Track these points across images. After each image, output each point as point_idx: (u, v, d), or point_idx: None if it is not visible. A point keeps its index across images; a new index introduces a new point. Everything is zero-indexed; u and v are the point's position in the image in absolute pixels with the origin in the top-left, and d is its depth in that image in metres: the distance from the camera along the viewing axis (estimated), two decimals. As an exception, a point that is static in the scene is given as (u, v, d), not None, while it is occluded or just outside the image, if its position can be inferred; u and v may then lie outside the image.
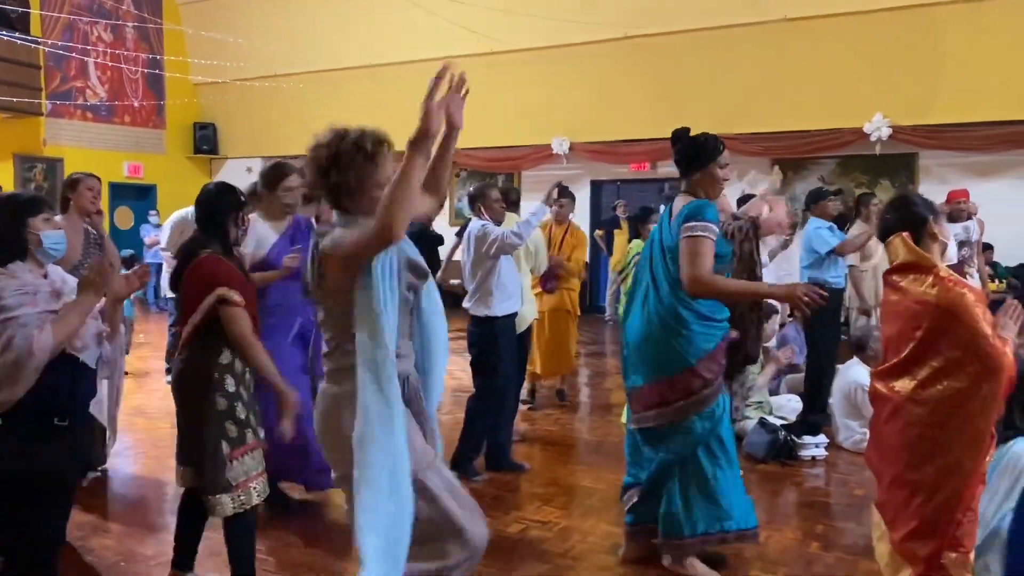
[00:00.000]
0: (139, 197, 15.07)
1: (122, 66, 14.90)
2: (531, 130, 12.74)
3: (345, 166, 2.45)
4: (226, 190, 3.35)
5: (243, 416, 3.19)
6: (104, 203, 14.05)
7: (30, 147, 13.57)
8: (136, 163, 15.13)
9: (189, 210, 7.63)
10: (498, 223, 5.15)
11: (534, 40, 12.12)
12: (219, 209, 3.28)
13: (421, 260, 2.53)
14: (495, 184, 5.55)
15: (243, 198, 3.35)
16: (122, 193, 14.88)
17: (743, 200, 7.51)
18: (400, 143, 9.68)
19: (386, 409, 2.36)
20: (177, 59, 15.08)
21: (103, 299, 2.91)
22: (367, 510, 2.33)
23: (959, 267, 7.12)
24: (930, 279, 2.79)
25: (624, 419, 6.23)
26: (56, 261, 2.95)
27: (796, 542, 4.13)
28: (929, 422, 2.77)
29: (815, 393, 5.88)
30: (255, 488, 3.21)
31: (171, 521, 4.20)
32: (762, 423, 5.59)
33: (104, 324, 2.93)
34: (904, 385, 2.84)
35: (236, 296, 3.11)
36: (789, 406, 6.11)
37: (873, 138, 10.41)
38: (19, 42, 12.11)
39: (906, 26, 10.02)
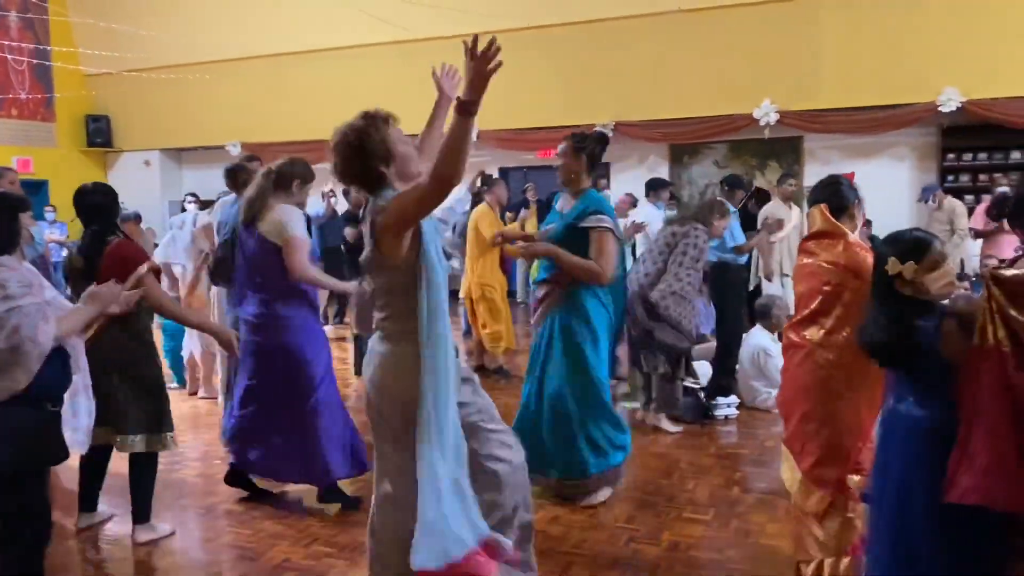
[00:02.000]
0: (30, 192, 14.49)
1: (7, 56, 14.31)
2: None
3: (372, 143, 2.63)
4: (109, 189, 3.94)
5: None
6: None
7: (-90, 143, 12.95)
8: (25, 158, 14.56)
9: (186, 216, 7.42)
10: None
11: (439, 29, 12.31)
12: (110, 205, 3.88)
13: (452, 237, 2.88)
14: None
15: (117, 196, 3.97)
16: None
17: (653, 184, 8.03)
18: (298, 132, 9.99)
19: (445, 384, 2.61)
20: (67, 50, 14.60)
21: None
22: (428, 476, 2.56)
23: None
24: (841, 244, 3.23)
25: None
26: None
27: (720, 488, 4.60)
28: (836, 364, 3.19)
29: (724, 359, 6.39)
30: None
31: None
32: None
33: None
34: (813, 333, 3.27)
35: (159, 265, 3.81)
36: (701, 371, 6.63)
37: (762, 123, 11.09)
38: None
39: (789, 16, 10.72)
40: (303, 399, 4.12)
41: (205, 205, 9.12)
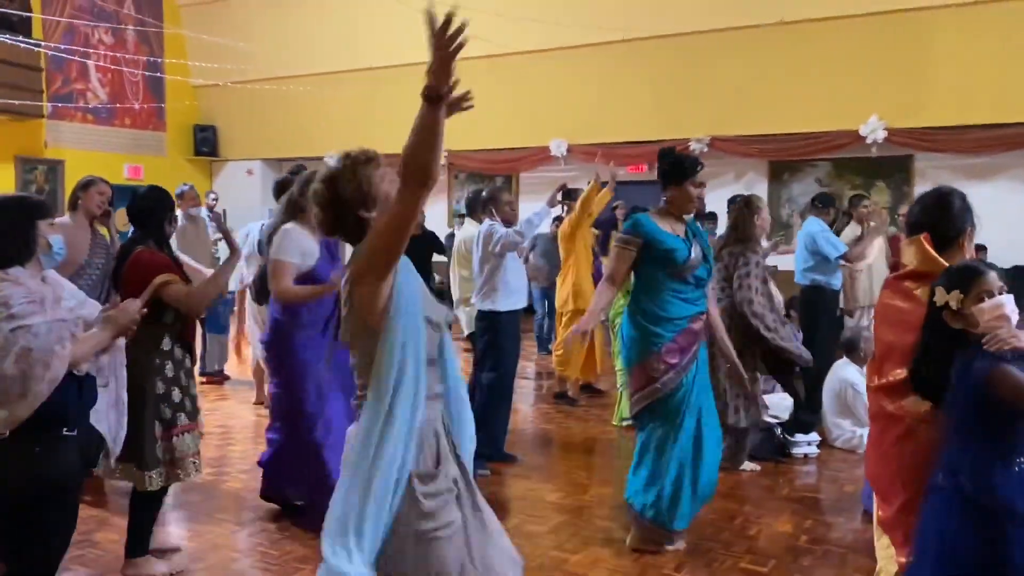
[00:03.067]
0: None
1: (123, 68, 14.97)
2: (529, 132, 12.82)
3: (347, 189, 2.20)
4: (162, 194, 3.73)
5: (178, 400, 3.56)
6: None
7: (31, 149, 13.63)
8: (136, 165, 15.19)
9: (253, 225, 7.47)
10: (508, 224, 5.43)
11: (532, 42, 12.20)
12: (156, 210, 3.64)
13: (441, 306, 2.33)
14: (506, 188, 5.73)
15: (174, 201, 3.81)
16: (122, 195, 14.85)
17: (733, 200, 7.61)
18: (397, 145, 9.71)
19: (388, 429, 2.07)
20: (177, 62, 15.15)
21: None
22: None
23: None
24: None
25: (615, 420, 6.37)
26: (61, 262, 3.08)
27: (786, 536, 4.21)
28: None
29: (810, 392, 5.95)
30: (194, 462, 3.60)
31: (170, 515, 4.33)
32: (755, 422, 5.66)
33: None
34: (916, 404, 2.68)
35: (174, 277, 3.45)
36: (782, 404, 6.16)
37: (869, 140, 10.48)
38: (21, 45, 12.16)
39: (899, 29, 10.10)
40: (299, 418, 4.08)
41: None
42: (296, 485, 4.26)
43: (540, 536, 4.14)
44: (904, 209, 7.57)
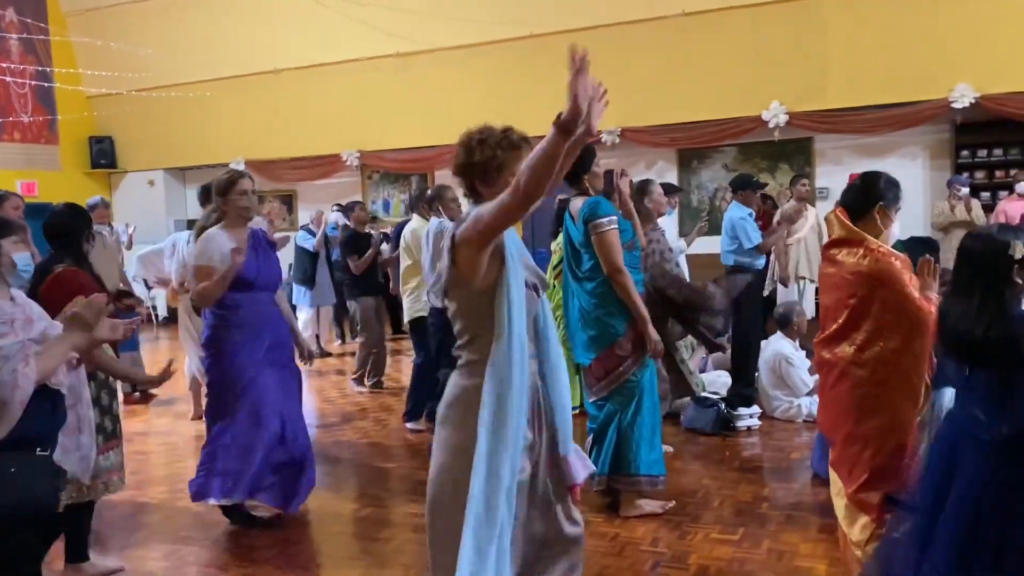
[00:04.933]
0: (35, 216, 14.38)
1: (8, 79, 14.25)
2: (442, 130, 12.79)
3: (490, 147, 2.52)
4: (79, 211, 3.73)
5: (98, 421, 3.41)
6: (-3, 224, 13.52)
7: (-87, 169, 12.87)
8: (30, 181, 14.48)
9: (180, 235, 7.26)
10: (453, 220, 5.41)
11: (442, 40, 12.21)
12: (72, 228, 3.62)
13: (539, 269, 2.59)
14: (450, 186, 5.77)
15: (91, 218, 3.81)
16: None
17: (642, 186, 7.88)
18: (306, 146, 9.90)
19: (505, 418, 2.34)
20: (68, 71, 14.53)
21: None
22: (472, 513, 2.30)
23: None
24: (861, 251, 3.05)
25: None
26: None
27: (748, 504, 4.42)
28: (871, 381, 3.03)
29: (743, 367, 6.22)
30: (106, 484, 3.66)
31: (142, 537, 4.22)
32: (696, 399, 5.89)
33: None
34: (844, 350, 3.09)
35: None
36: (719, 381, 6.45)
37: (771, 125, 10.91)
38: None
39: (796, 17, 10.55)
40: (220, 416, 4.21)
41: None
42: (264, 491, 4.22)
43: (516, 524, 4.22)
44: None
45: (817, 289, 5.28)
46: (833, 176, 11.15)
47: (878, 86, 10.19)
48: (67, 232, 3.61)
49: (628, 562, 3.77)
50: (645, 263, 5.33)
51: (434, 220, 5.61)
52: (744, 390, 6.10)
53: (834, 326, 3.17)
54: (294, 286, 9.42)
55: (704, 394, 5.99)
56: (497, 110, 12.24)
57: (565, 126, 2.17)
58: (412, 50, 12.36)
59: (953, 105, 9.86)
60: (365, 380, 7.74)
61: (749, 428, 5.82)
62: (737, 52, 10.91)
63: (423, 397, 6.00)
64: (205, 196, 5.74)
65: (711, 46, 11.05)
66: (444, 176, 13.49)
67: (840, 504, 3.29)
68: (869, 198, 3.15)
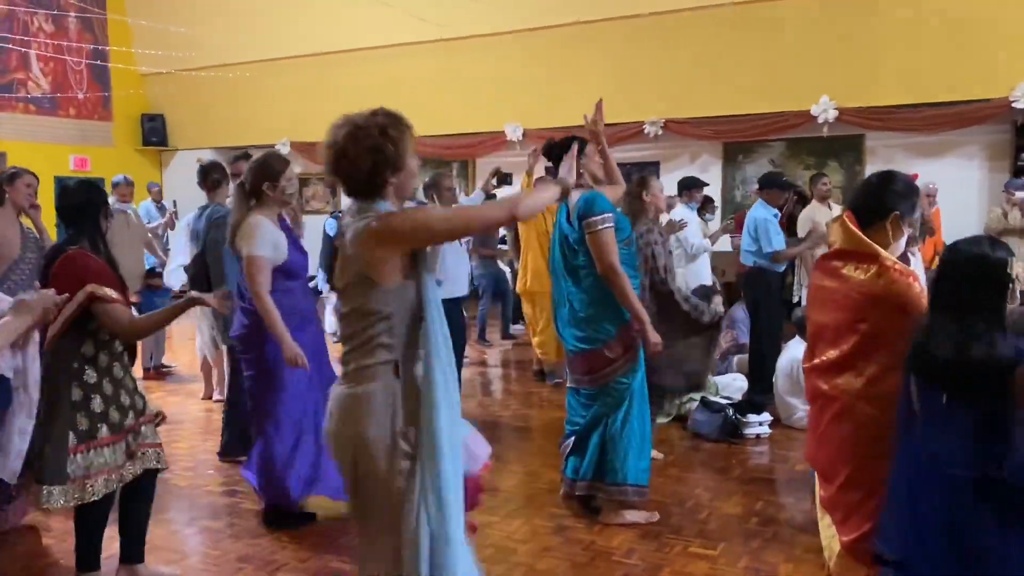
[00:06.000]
0: (87, 191, 14.76)
1: (65, 57, 14.56)
2: (484, 117, 12.69)
3: (390, 148, 2.25)
4: (92, 187, 3.44)
5: (99, 410, 3.20)
6: (50, 198, 13.84)
7: (-30, 141, 13.22)
8: (83, 156, 14.81)
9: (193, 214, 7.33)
10: None
11: (486, 26, 12.06)
12: (87, 205, 3.34)
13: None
14: (449, 173, 5.65)
15: (106, 194, 3.51)
16: (69, 187, 14.54)
17: (685, 183, 7.61)
18: None
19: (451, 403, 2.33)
20: (123, 50, 14.78)
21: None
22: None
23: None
24: (875, 268, 2.64)
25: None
26: None
27: (736, 518, 4.19)
28: (883, 421, 2.60)
29: (759, 373, 5.95)
30: (103, 480, 3.17)
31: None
32: (705, 403, 5.65)
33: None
34: (849, 382, 2.69)
35: (108, 291, 3.13)
36: (734, 385, 6.19)
37: (820, 120, 10.50)
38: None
39: (849, 9, 10.12)
40: (265, 416, 3.96)
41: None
42: (260, 481, 4.06)
43: (490, 526, 4.07)
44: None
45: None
46: (884, 176, 10.69)
47: (934, 82, 9.71)
48: (82, 210, 3.35)
49: (597, 572, 3.59)
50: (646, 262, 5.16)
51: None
52: (757, 396, 5.84)
53: (835, 353, 2.76)
54: (320, 273, 9.37)
55: (714, 398, 5.75)
56: (539, 97, 12.16)
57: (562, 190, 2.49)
58: (455, 36, 12.24)
59: (1015, 105, 9.34)
60: None
61: (758, 436, 5.55)
62: (786, 44, 10.51)
63: None
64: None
65: (760, 37, 10.67)
66: (486, 163, 13.38)
67: (834, 549, 2.91)
68: (884, 204, 2.75)
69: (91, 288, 3.10)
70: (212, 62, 14.13)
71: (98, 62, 14.66)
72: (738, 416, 5.57)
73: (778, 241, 5.95)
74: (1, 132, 13.59)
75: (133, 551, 3.45)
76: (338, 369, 2.39)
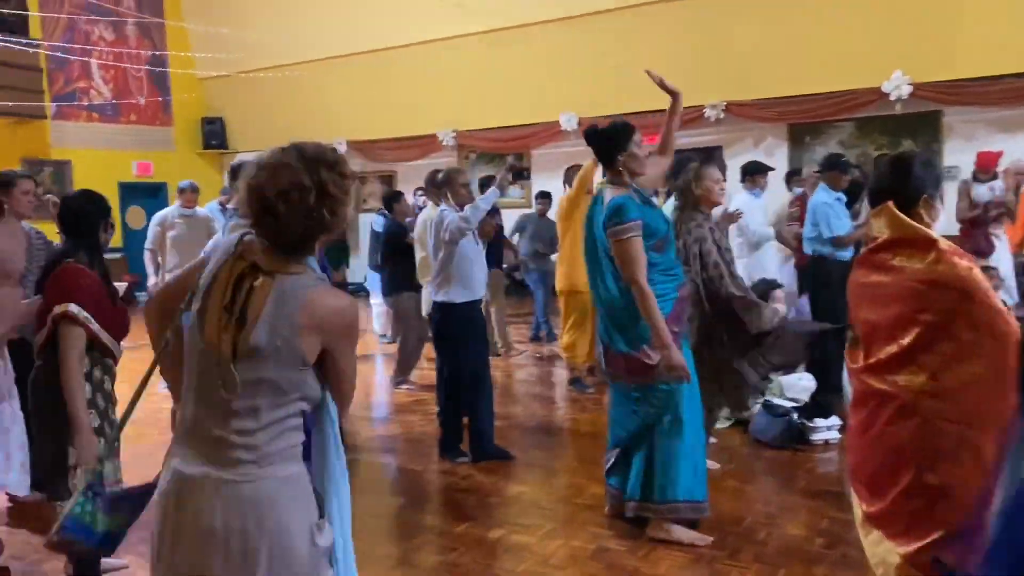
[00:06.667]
0: (150, 196, 14.94)
1: (125, 65, 14.76)
2: (538, 107, 12.37)
3: (334, 199, 1.87)
4: (95, 198, 3.40)
5: (94, 424, 3.19)
6: (115, 204, 14.06)
7: (37, 151, 13.49)
8: (145, 162, 15.02)
9: (169, 209, 7.51)
10: (463, 208, 5.11)
11: (537, 14, 11.76)
12: (88, 217, 3.31)
13: None
14: (462, 169, 5.41)
15: (109, 207, 3.42)
16: (133, 193, 14.76)
17: (748, 168, 7.16)
18: (407, 125, 9.53)
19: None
20: (181, 54, 14.93)
21: None
22: None
23: (982, 228, 6.76)
24: (932, 255, 2.42)
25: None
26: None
27: (799, 539, 3.81)
28: (952, 416, 2.42)
29: (824, 373, 5.52)
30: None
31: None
32: (767, 406, 5.26)
33: None
34: (911, 378, 2.46)
35: (80, 314, 3.09)
36: (800, 385, 5.73)
37: (893, 97, 9.89)
38: (17, 47, 11.97)
39: (923, -23, 9.50)
40: None
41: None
42: None
43: (526, 548, 3.79)
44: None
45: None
46: (964, 153, 9.94)
47: (1015, 53, 9.02)
48: (80, 221, 3.32)
49: (641, 603, 3.28)
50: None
51: (440, 207, 5.23)
52: (825, 397, 5.41)
53: (894, 348, 2.52)
54: (370, 274, 9.19)
55: (777, 400, 5.35)
56: (594, 85, 11.76)
57: None
58: (507, 25, 11.95)
59: (1107, 73, 8.62)
60: (409, 379, 7.29)
61: (826, 442, 5.13)
62: (855, 17, 9.92)
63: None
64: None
65: (826, 11, 10.09)
66: (541, 155, 13.08)
67: (887, 562, 2.63)
68: (914, 189, 2.54)
69: (61, 309, 3.08)
70: (268, 63, 14.15)
71: (159, 68, 14.82)
72: (803, 420, 5.16)
73: (839, 226, 5.52)
74: (66, 141, 13.86)
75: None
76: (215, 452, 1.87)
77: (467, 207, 5.00)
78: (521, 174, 6.40)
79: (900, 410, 2.51)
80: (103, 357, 3.26)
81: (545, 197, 9.22)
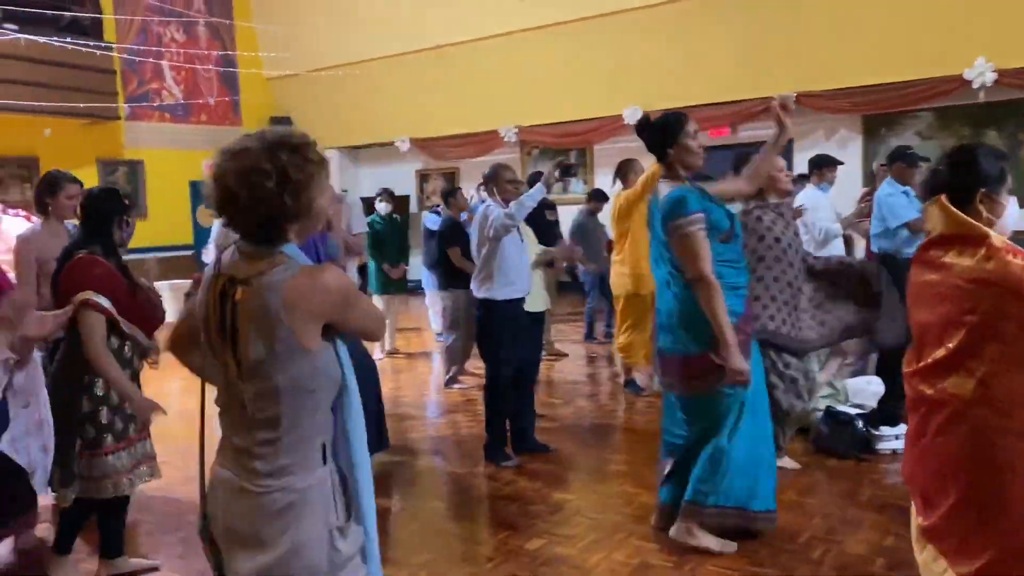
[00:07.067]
0: (220, 195, 15.22)
1: (196, 66, 15.04)
2: (601, 101, 12.13)
3: (296, 184, 1.80)
4: (112, 193, 3.50)
5: (106, 420, 3.30)
6: (187, 202, 14.36)
7: (111, 151, 13.83)
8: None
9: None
10: (508, 204, 5.01)
11: (599, 6, 11.52)
12: (104, 211, 3.38)
13: None
14: (508, 166, 5.25)
15: (126, 202, 3.48)
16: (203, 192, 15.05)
17: (816, 161, 6.83)
18: (474, 121, 9.42)
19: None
20: (250, 54, 15.15)
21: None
22: None
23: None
24: (982, 251, 2.20)
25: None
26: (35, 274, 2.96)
27: (858, 559, 3.55)
28: (1002, 427, 2.21)
29: (892, 377, 5.18)
30: (111, 484, 3.32)
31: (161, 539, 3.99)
32: (830, 412, 4.97)
33: (8, 351, 2.69)
34: (959, 384, 2.25)
35: (100, 301, 3.16)
36: (868, 390, 5.43)
37: (976, 85, 9.35)
38: (89, 49, 12.27)
39: (1009, -44, 8.95)
40: None
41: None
42: None
43: (564, 561, 3.62)
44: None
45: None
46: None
47: (1112, 34, 8.43)
48: (97, 216, 3.42)
49: (684, 625, 3.08)
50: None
51: (485, 203, 5.14)
52: (893, 404, 5.07)
53: (941, 352, 2.31)
54: (425, 273, 9.09)
55: (842, 407, 5.05)
56: (658, 77, 11.47)
57: None
58: (569, 19, 11.75)
59: None
60: (457, 378, 7.22)
61: (894, 452, 4.81)
62: (933, 2, 9.42)
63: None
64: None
65: (902, -3, 9.62)
66: (603, 150, 12.84)
67: (936, 571, 2.44)
68: (967, 183, 2.30)
69: (83, 296, 3.14)
70: (333, 62, 14.24)
71: (229, 69, 15.07)
72: (869, 428, 4.86)
73: (906, 212, 5.18)
74: (139, 141, 14.18)
75: (111, 546, 3.59)
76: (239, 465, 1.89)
77: (512, 203, 4.90)
78: (569, 171, 6.22)
79: (950, 418, 2.32)
80: (119, 349, 3.30)
81: (599, 198, 8.87)
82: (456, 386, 7.05)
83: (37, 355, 2.87)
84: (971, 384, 2.25)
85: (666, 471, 3.78)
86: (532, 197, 4.90)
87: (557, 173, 5.25)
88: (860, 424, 4.87)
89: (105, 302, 3.15)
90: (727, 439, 3.54)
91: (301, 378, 1.80)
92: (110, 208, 3.41)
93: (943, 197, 2.32)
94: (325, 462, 1.89)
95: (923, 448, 2.45)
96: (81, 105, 12.37)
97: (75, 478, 3.31)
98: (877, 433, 4.85)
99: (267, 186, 1.74)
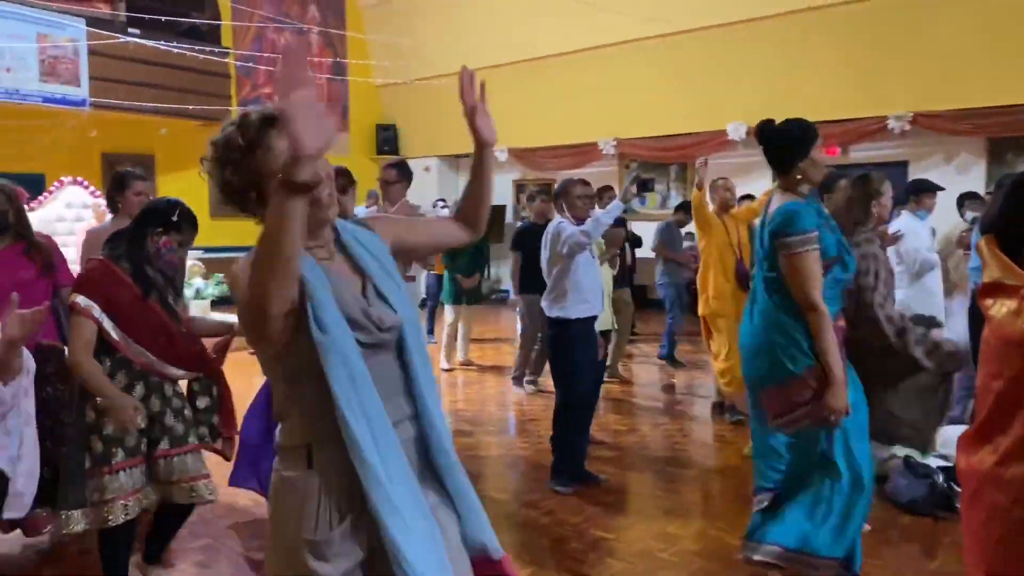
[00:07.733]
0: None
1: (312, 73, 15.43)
2: (704, 115, 11.73)
3: (234, 162, 1.76)
4: (158, 204, 3.34)
5: (113, 432, 3.10)
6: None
7: (223, 153, 14.34)
8: (332, 166, 15.65)
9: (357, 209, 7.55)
10: (580, 220, 4.82)
11: (704, 18, 11.13)
12: (142, 220, 3.29)
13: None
14: (581, 179, 5.06)
15: (173, 219, 3.26)
16: (308, 195, 15.41)
17: (914, 186, 6.31)
18: (573, 133, 9.30)
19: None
20: (360, 62, 15.42)
21: None
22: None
23: None
24: (1014, 303, 1.88)
25: (746, 451, 5.36)
26: None
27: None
28: (1015, 516, 1.91)
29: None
30: (121, 506, 3.09)
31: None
32: (908, 464, 4.51)
33: None
34: (983, 459, 1.96)
35: (84, 303, 3.03)
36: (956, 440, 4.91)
37: (1117, 107, 8.55)
38: (206, 55, 12.74)
39: None
40: None
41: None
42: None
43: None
44: None
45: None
46: None
47: None
48: (136, 222, 3.34)
49: None
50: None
51: (556, 219, 4.92)
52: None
53: (980, 419, 2.04)
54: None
55: (922, 459, 4.58)
56: (766, 92, 10.97)
57: (286, 180, 1.41)
58: (673, 31, 11.41)
59: None
60: (524, 381, 7.32)
61: (979, 512, 4.32)
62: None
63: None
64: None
65: (1035, 10, 8.86)
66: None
67: None
68: (1016, 221, 2.00)
69: (72, 299, 3.09)
70: (438, 72, 14.32)
71: (340, 77, 15.40)
72: (951, 483, 4.38)
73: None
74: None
75: (151, 551, 3.55)
76: None
77: (588, 220, 4.72)
78: (646, 185, 5.95)
79: (972, 495, 2.06)
80: (130, 360, 3.17)
81: (687, 211, 8.45)
82: (527, 387, 7.25)
83: (31, 363, 2.74)
84: (992, 460, 1.97)
85: (760, 508, 3.36)
86: (609, 214, 4.76)
87: (634, 188, 5.05)
88: (940, 479, 4.39)
89: (96, 309, 3.04)
90: (828, 484, 3.19)
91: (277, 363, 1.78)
92: (148, 218, 3.30)
93: (990, 236, 1.99)
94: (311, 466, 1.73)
95: (964, 521, 2.17)
96: (195, 108, 12.84)
97: (82, 503, 3.10)
98: (959, 490, 4.35)
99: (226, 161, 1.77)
